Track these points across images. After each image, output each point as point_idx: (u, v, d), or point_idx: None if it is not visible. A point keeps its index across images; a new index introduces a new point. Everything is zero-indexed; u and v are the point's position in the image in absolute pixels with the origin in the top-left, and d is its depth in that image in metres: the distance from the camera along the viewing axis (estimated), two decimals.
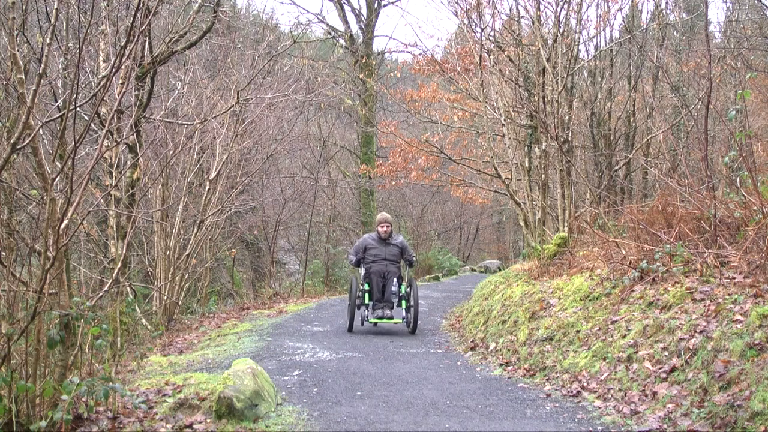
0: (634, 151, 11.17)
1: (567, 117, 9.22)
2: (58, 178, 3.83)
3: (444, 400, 4.56)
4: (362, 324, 7.94)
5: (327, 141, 19.03)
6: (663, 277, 5.13)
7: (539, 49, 9.05)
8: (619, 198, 10.72)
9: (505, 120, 9.29)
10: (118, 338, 6.23)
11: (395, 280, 7.84)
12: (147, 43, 7.58)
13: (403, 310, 8.00)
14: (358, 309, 7.97)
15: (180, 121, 9.36)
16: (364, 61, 19.17)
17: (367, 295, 7.87)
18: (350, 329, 7.81)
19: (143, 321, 8.40)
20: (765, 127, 12.98)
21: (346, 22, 20.57)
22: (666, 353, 4.26)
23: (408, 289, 7.90)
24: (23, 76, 3.58)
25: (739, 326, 3.89)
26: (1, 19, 5.62)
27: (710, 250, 5.01)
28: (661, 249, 5.32)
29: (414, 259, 8.34)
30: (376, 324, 8.10)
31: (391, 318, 7.63)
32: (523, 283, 7.53)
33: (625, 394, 4.20)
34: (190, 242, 10.14)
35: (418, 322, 8.02)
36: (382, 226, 8.15)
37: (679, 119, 11.60)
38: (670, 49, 13.38)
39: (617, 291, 5.49)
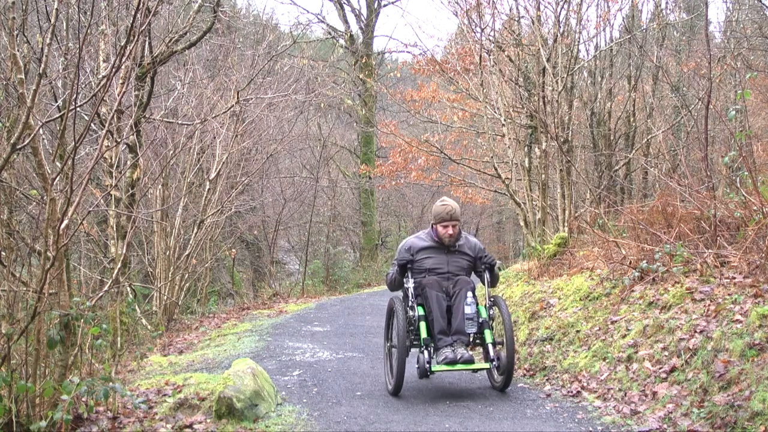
0: (634, 151, 11.17)
1: (567, 117, 9.21)
2: (58, 178, 3.83)
3: (444, 400, 4.56)
4: (420, 377, 4.60)
5: (327, 141, 19.02)
6: (663, 277, 5.13)
7: (539, 49, 9.05)
8: (619, 198, 10.72)
9: (505, 120, 9.29)
10: (118, 338, 6.23)
11: (470, 295, 4.74)
12: (147, 43, 7.57)
13: (489, 347, 4.64)
14: (409, 353, 4.75)
15: (180, 121, 9.36)
16: (364, 61, 19.18)
17: (423, 327, 4.68)
18: (397, 391, 4.66)
19: (143, 321, 8.39)
20: (765, 127, 12.98)
21: (346, 22, 20.58)
22: (666, 353, 4.27)
23: (491, 311, 4.87)
24: (23, 76, 3.58)
25: (739, 326, 3.89)
26: (1, 19, 5.62)
27: (710, 250, 5.01)
28: (661, 249, 5.31)
29: (496, 263, 5.14)
30: (432, 373, 4.58)
31: (471, 362, 4.49)
32: (523, 283, 7.53)
33: (625, 394, 4.20)
34: (190, 242, 10.14)
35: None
36: (446, 226, 4.93)
37: (679, 119, 11.59)
38: (670, 49, 13.37)
39: (617, 291, 5.49)
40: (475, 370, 4.78)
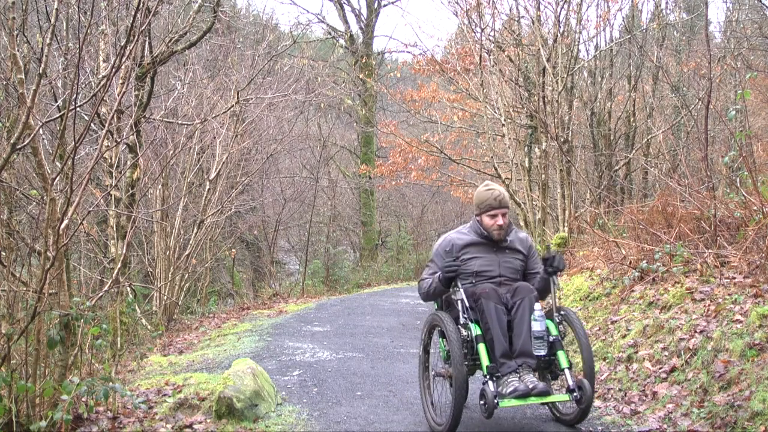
0: (634, 151, 11.17)
1: (567, 117, 9.22)
2: (58, 178, 3.83)
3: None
4: (488, 415, 3.55)
5: (327, 141, 19.04)
6: (663, 277, 5.13)
7: (539, 49, 9.06)
8: (619, 198, 10.72)
9: (505, 120, 9.29)
10: (118, 338, 6.23)
11: (538, 307, 3.76)
12: (147, 43, 7.58)
13: (567, 374, 3.64)
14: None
15: (180, 121, 9.36)
16: (364, 61, 19.19)
17: (484, 351, 3.68)
18: (453, 430, 3.66)
19: (143, 321, 8.39)
20: (765, 127, 12.99)
21: (346, 22, 20.60)
22: (666, 353, 4.27)
23: (561, 326, 3.85)
24: (23, 76, 3.58)
25: (739, 326, 3.89)
26: (1, 19, 5.62)
27: (710, 250, 5.01)
28: (661, 249, 5.32)
29: (560, 265, 3.96)
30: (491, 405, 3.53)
31: (547, 394, 3.53)
32: None
33: (625, 394, 4.20)
34: (190, 242, 10.14)
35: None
36: (494, 216, 4.02)
37: (679, 119, 11.60)
38: (670, 49, 13.38)
39: (617, 291, 5.49)
40: (552, 403, 3.84)
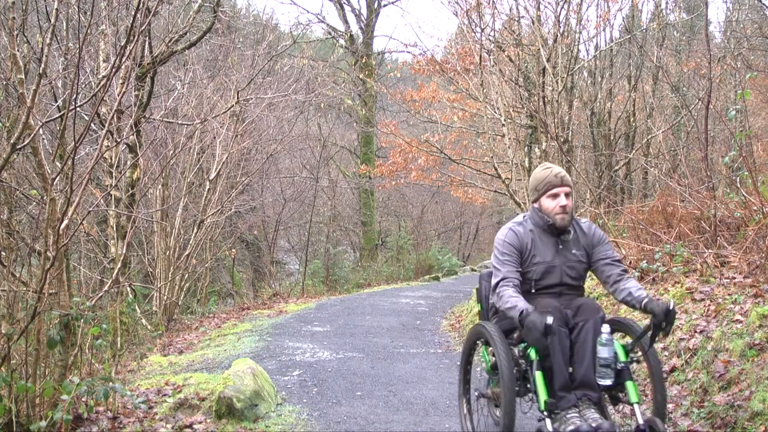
0: (634, 151, 11.17)
1: (567, 117, 9.22)
2: (58, 178, 3.83)
3: (444, 400, 4.55)
4: None
5: (327, 141, 19.04)
6: (663, 277, 5.13)
7: (539, 49, 9.05)
8: (619, 198, 10.72)
9: (505, 120, 9.29)
10: (118, 338, 6.23)
11: (606, 329, 3.10)
12: (147, 43, 7.58)
13: (637, 410, 3.04)
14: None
15: (180, 121, 9.36)
16: (364, 61, 19.20)
17: (541, 382, 3.06)
18: None
19: (143, 321, 8.39)
20: (765, 127, 12.98)
21: (346, 22, 20.61)
22: (666, 353, 4.27)
23: (630, 351, 3.17)
24: (23, 76, 3.58)
25: (739, 326, 3.89)
26: (1, 19, 5.62)
27: (710, 250, 5.01)
28: (661, 249, 5.32)
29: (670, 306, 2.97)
30: None
31: None
32: None
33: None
34: (190, 242, 10.14)
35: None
36: (556, 195, 3.32)
37: (679, 119, 11.59)
38: (670, 49, 13.38)
39: None
40: None
